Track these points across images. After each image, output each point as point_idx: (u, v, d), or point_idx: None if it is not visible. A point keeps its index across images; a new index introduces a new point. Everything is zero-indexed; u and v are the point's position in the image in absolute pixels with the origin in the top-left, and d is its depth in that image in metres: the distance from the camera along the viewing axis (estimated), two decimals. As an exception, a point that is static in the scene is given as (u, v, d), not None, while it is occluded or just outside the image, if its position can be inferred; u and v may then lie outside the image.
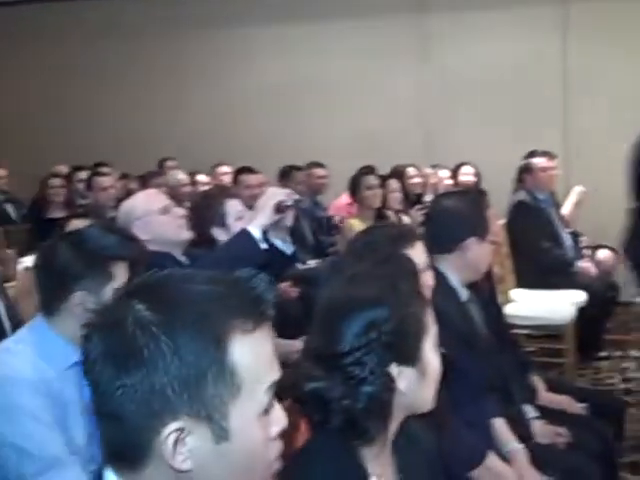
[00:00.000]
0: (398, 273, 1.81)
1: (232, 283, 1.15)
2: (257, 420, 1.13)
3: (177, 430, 1.07)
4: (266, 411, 1.14)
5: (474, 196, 3.25)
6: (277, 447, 1.19)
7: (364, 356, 1.62)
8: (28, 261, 4.17)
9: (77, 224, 4.02)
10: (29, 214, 7.42)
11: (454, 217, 2.98)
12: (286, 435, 1.22)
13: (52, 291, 2.27)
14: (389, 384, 1.64)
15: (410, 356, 1.66)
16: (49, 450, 2.07)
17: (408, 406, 1.69)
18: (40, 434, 2.08)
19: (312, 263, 5.57)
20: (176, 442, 1.07)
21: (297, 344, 3.36)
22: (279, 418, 1.19)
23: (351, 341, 1.62)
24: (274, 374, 1.17)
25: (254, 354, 1.11)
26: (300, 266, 4.96)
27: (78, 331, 2.16)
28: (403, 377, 1.65)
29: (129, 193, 7.46)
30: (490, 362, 2.94)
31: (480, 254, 2.98)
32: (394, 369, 1.64)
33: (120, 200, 6.69)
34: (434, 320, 1.75)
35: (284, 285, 4.64)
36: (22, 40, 9.36)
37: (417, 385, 1.67)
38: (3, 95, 9.37)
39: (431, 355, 1.70)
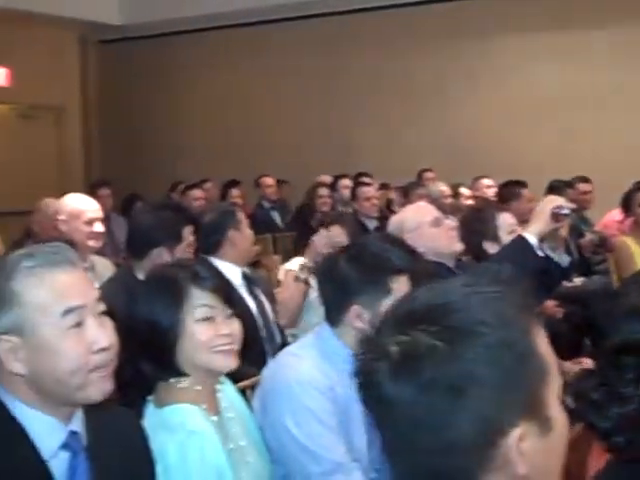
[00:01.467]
0: None
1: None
2: (556, 399, 1.10)
3: (517, 436, 1.04)
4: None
5: None
6: None
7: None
8: (291, 265, 4.36)
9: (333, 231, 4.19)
10: (294, 221, 7.75)
11: None
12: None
13: (332, 302, 2.33)
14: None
15: None
16: (334, 454, 2.13)
17: None
18: (326, 437, 2.14)
19: (577, 281, 5.36)
20: (516, 449, 1.04)
21: (567, 365, 3.25)
22: None
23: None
24: None
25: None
26: (566, 283, 4.80)
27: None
28: None
29: (389, 203, 7.61)
30: None
31: None
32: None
33: (382, 210, 6.88)
34: None
35: (550, 304, 4.49)
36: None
37: None
38: (244, 110, 9.91)
39: None
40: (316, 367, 2.23)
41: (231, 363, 2.03)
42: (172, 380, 1.98)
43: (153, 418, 1.95)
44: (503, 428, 1.03)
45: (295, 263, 4.32)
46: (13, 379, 1.58)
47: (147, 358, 1.99)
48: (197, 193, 7.33)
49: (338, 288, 2.28)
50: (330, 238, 4.15)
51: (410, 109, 9.20)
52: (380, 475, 2.24)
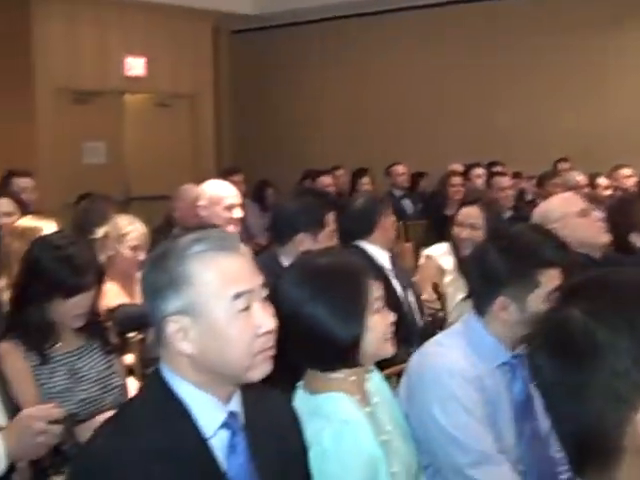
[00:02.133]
0: None
1: None
2: None
3: None
4: None
5: None
6: None
7: None
8: (431, 251, 4.32)
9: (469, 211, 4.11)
10: (425, 209, 7.70)
11: None
12: None
13: (480, 292, 2.30)
14: None
15: None
16: (481, 444, 2.11)
17: None
18: (474, 427, 2.12)
19: None
20: None
21: None
22: None
23: None
24: None
25: None
26: None
27: (507, 333, 2.20)
28: None
29: (521, 193, 7.45)
30: None
31: None
32: None
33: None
34: None
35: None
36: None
37: None
38: (375, 98, 9.85)
39: None
40: (464, 357, 2.21)
41: (393, 349, 2.04)
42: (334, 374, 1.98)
43: (305, 404, 1.96)
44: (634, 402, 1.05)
45: (436, 249, 4.27)
46: (180, 359, 1.63)
47: (315, 349, 1.98)
48: (327, 180, 7.38)
49: (486, 278, 2.25)
50: (466, 217, 4.05)
51: (545, 97, 8.96)
52: (528, 469, 2.20)
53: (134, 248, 3.92)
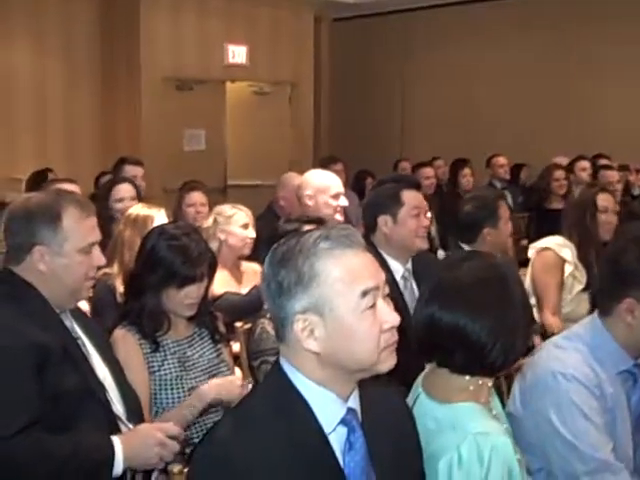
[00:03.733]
0: None
1: None
2: None
3: None
4: None
5: None
6: None
7: None
8: (546, 243, 4.22)
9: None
10: (526, 202, 7.54)
11: None
12: None
13: (608, 289, 2.24)
14: None
15: None
16: (601, 452, 2.05)
17: None
18: (592, 435, 2.06)
19: None
20: None
21: None
22: None
23: None
24: None
25: None
26: None
27: (630, 338, 2.13)
28: None
29: (628, 186, 7.22)
30: None
31: None
32: None
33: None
34: None
35: None
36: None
37: None
38: (475, 87, 9.66)
39: None
40: (584, 361, 2.15)
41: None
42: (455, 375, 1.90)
43: (433, 412, 1.89)
44: None
45: (551, 241, 4.19)
46: (305, 356, 1.64)
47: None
48: (428, 171, 7.31)
49: (618, 277, 2.19)
50: (607, 203, 4.13)
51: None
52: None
53: (244, 226, 4.03)
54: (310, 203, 4.21)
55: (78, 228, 2.34)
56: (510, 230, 3.86)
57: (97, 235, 2.42)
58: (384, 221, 3.28)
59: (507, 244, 4.01)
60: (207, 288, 2.90)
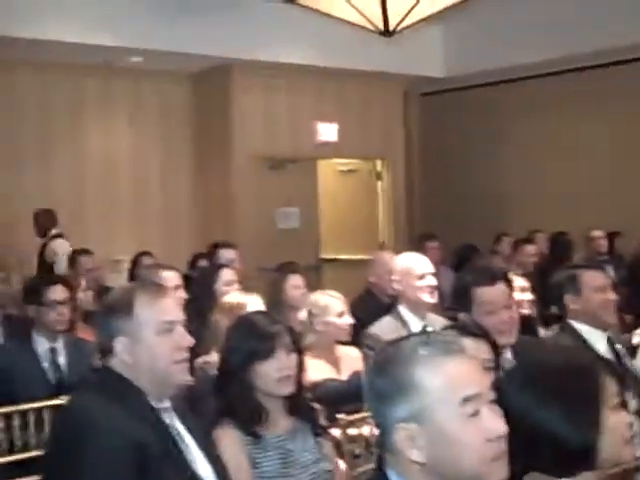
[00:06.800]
0: None
1: None
2: None
3: None
4: None
5: None
6: None
7: None
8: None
9: None
10: (629, 275, 7.25)
11: None
12: None
13: None
14: None
15: None
16: None
17: None
18: None
19: None
20: None
21: None
22: None
23: None
24: None
25: None
26: None
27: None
28: None
29: None
30: None
31: None
32: None
33: None
34: None
35: None
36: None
37: None
38: (567, 159, 9.46)
39: None
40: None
41: (636, 452, 1.89)
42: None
43: None
44: None
45: None
46: (410, 466, 1.60)
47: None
48: (531, 249, 7.10)
49: None
50: None
51: None
52: None
53: (339, 314, 3.97)
54: (399, 287, 4.19)
55: (150, 310, 2.34)
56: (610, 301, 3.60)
57: (176, 314, 2.40)
58: (465, 317, 3.28)
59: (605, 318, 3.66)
60: (300, 370, 2.86)
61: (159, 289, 2.46)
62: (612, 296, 3.56)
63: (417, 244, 7.48)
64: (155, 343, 2.33)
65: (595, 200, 9.04)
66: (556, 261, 7.51)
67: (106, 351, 2.36)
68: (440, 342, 1.63)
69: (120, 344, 2.32)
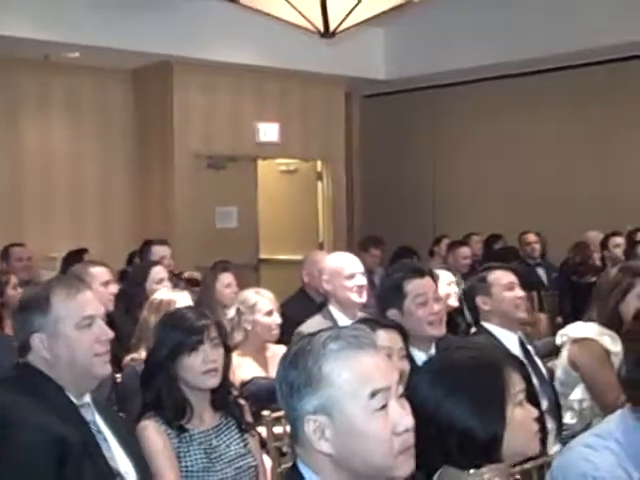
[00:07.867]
0: None
1: None
2: None
3: None
4: None
5: None
6: None
7: None
8: (584, 332, 3.90)
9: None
10: (559, 278, 7.44)
11: None
12: None
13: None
14: None
15: None
16: None
17: None
18: None
19: None
20: None
21: None
22: None
23: None
24: None
25: None
26: None
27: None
28: None
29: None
30: None
31: None
32: None
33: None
34: None
35: None
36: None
37: None
38: (506, 162, 9.61)
39: None
40: (616, 463, 2.02)
41: (539, 446, 1.95)
42: (472, 470, 1.87)
43: None
44: None
45: (588, 330, 3.70)
46: (319, 458, 1.63)
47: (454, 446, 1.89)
48: (464, 251, 7.18)
49: None
50: None
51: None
52: None
53: (268, 313, 3.99)
54: (329, 288, 4.21)
55: (68, 305, 2.34)
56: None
57: (94, 308, 2.40)
58: (393, 314, 3.30)
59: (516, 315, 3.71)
60: (227, 365, 2.88)
61: (76, 284, 2.45)
62: (520, 293, 3.67)
63: (363, 247, 7.56)
64: (75, 337, 2.32)
65: (530, 204, 9.20)
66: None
67: (24, 348, 2.34)
68: (350, 336, 1.65)
69: (38, 340, 2.31)
